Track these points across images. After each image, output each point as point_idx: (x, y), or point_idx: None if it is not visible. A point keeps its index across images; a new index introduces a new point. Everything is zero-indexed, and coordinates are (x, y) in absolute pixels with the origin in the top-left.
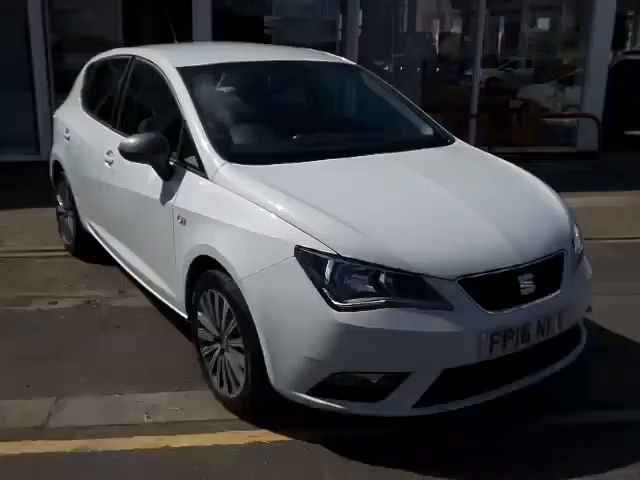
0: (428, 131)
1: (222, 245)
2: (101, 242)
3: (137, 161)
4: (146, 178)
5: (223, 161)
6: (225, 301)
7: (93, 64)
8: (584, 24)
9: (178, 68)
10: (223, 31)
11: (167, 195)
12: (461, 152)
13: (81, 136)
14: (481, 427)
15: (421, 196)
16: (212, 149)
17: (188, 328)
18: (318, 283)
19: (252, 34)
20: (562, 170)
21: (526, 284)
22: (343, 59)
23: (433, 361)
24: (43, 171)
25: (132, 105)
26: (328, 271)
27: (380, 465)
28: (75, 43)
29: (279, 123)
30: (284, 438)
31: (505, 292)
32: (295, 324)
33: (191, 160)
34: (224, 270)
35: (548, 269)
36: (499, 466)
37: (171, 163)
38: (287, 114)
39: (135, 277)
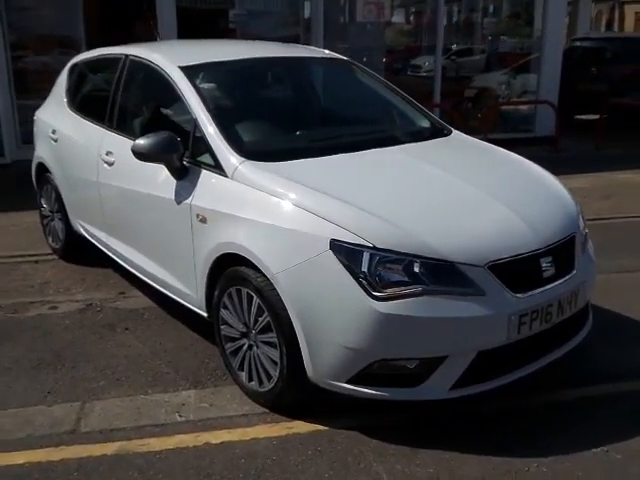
0: (425, 123)
1: (251, 242)
2: (97, 244)
3: (150, 161)
4: (156, 178)
5: (242, 159)
6: (255, 297)
7: (76, 64)
8: (538, 12)
9: (181, 67)
10: (187, 26)
11: (183, 194)
12: (463, 142)
13: (71, 137)
14: (508, 404)
15: (440, 186)
16: (228, 147)
17: (200, 326)
18: (356, 275)
19: (216, 28)
20: (524, 156)
21: (546, 267)
22: (334, 54)
23: (468, 344)
24: (9, 174)
25: (130, 105)
26: (365, 263)
27: (421, 447)
28: (34, 42)
29: (287, 119)
30: (320, 427)
31: (529, 275)
32: (334, 316)
33: (205, 159)
34: (252, 266)
35: (563, 251)
36: (529, 440)
37: (184, 162)
38: (294, 110)
39: (143, 278)
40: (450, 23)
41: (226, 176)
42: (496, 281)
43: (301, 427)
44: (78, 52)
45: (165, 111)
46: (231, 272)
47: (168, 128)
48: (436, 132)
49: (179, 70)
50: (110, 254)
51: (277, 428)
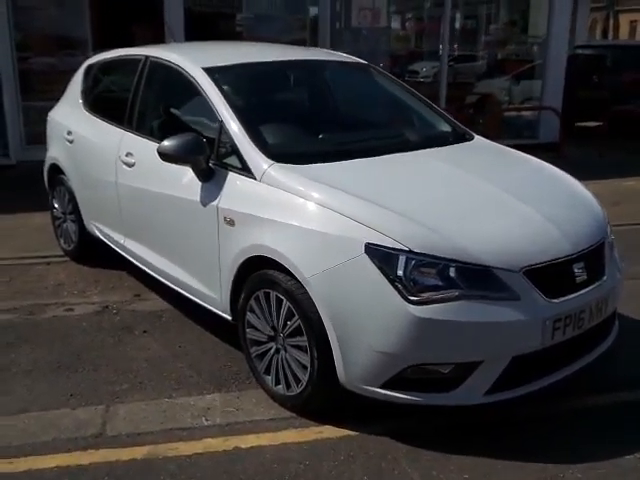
0: (446, 127)
1: (283, 245)
2: (113, 246)
3: (176, 163)
4: (180, 180)
5: (270, 161)
6: (285, 301)
7: (92, 65)
8: (541, 18)
9: (204, 69)
10: (194, 29)
11: (209, 196)
12: (487, 147)
13: (88, 138)
14: (536, 410)
15: (470, 191)
16: (257, 150)
17: (219, 329)
18: (391, 279)
19: (223, 32)
20: None
21: (579, 272)
22: (353, 57)
23: (503, 349)
24: (15, 174)
25: (152, 107)
26: (400, 266)
27: (454, 452)
28: (40, 43)
29: (312, 122)
30: (350, 432)
31: (563, 281)
32: (368, 320)
33: (232, 161)
34: (283, 269)
35: (594, 257)
36: (561, 447)
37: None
38: (318, 113)
39: (163, 280)
40: (452, 29)
41: (254, 179)
42: (531, 286)
43: (331, 432)
44: (84, 53)
45: (188, 113)
46: (259, 275)
47: (192, 130)
48: (459, 137)
49: (203, 72)
50: (127, 256)
51: (306, 433)
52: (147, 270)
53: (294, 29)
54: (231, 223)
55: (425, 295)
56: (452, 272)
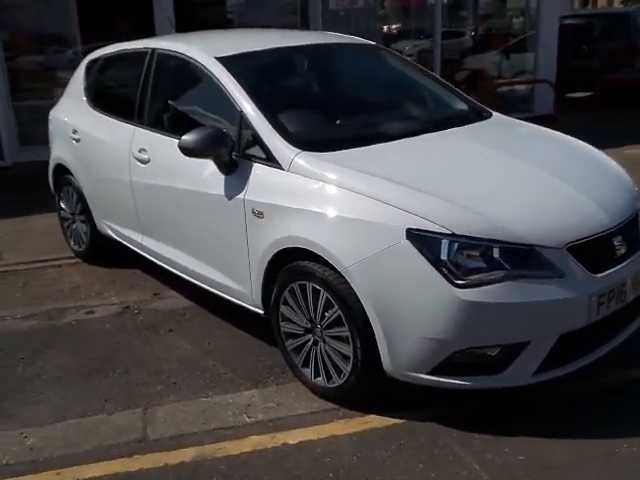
0: (464, 105)
1: (318, 235)
2: (128, 244)
3: (198, 157)
4: (201, 174)
5: (297, 150)
6: (322, 291)
7: (95, 61)
8: None
9: (218, 58)
10: (185, 17)
11: (234, 189)
12: (510, 124)
13: (96, 136)
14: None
15: (504, 169)
16: (281, 139)
17: (245, 323)
18: (436, 263)
19: (214, 18)
20: None
21: (618, 245)
22: (362, 39)
23: (550, 328)
24: (12, 176)
25: (163, 100)
26: (444, 250)
27: (504, 435)
28: (28, 41)
29: (331, 107)
30: (396, 421)
31: (604, 255)
32: (414, 306)
33: (255, 152)
34: (318, 260)
35: (630, 230)
36: (610, 422)
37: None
38: (336, 98)
39: (186, 277)
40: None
41: (281, 169)
42: (575, 262)
43: (377, 422)
44: (73, 50)
45: (204, 105)
46: (293, 267)
47: (209, 122)
48: (479, 114)
49: (217, 61)
50: (144, 254)
51: (353, 424)
52: (168, 268)
53: (285, 14)
54: (260, 215)
55: (471, 278)
56: (496, 253)
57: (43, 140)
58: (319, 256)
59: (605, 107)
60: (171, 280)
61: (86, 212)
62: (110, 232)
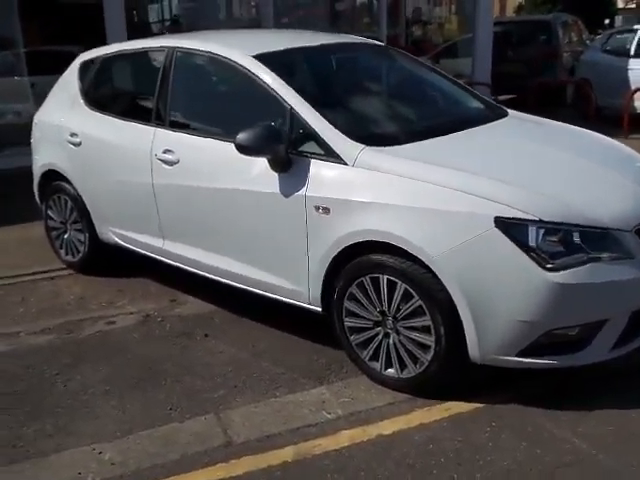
0: (482, 104)
1: (398, 227)
2: (143, 251)
3: (255, 155)
4: (248, 173)
5: (361, 145)
6: (400, 283)
7: (91, 61)
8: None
9: (255, 57)
10: (136, 18)
11: (291, 187)
12: (533, 121)
13: (104, 139)
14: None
15: (556, 160)
16: (340, 134)
17: (279, 323)
18: (525, 249)
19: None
20: None
21: None
22: (370, 40)
23: (626, 306)
24: None
25: (191, 101)
26: (532, 236)
27: (588, 409)
28: None
29: (375, 104)
30: (478, 405)
31: None
32: (505, 291)
33: (310, 147)
34: (393, 252)
35: None
36: None
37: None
38: (377, 94)
39: (225, 281)
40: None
41: (345, 164)
42: None
43: (458, 407)
44: (15, 53)
45: (243, 103)
46: (363, 261)
47: (254, 121)
48: (499, 112)
49: (255, 60)
50: (166, 260)
51: (436, 411)
52: (196, 271)
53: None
54: (325, 211)
55: (558, 261)
56: (576, 237)
57: None
58: (394, 248)
59: (535, 108)
60: (182, 286)
61: (84, 220)
62: (117, 239)
